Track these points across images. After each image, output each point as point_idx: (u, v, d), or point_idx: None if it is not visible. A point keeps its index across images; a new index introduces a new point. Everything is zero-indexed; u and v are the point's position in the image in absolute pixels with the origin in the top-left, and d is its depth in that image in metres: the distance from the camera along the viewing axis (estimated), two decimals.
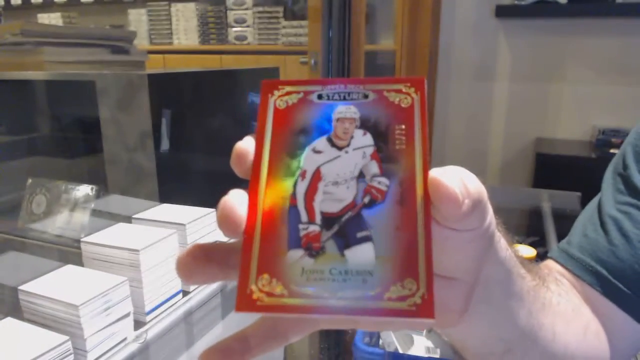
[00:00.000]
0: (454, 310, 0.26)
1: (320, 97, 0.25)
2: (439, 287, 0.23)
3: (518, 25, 2.24)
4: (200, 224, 0.77)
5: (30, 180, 0.91)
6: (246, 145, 0.24)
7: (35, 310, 0.57)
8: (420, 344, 0.65)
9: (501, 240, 0.28)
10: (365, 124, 0.24)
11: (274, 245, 0.21)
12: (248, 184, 0.23)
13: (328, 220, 0.22)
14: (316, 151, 0.24)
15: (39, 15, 3.20)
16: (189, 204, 0.81)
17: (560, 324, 0.38)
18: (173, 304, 0.70)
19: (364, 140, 0.24)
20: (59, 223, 0.84)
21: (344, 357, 0.73)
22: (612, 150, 1.98)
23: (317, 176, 0.23)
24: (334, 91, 0.25)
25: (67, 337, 0.52)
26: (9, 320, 0.55)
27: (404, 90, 0.24)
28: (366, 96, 0.25)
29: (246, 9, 2.82)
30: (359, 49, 1.59)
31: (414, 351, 0.64)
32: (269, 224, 0.22)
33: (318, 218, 0.22)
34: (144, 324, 0.65)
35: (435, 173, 0.22)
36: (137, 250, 0.64)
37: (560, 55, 2.19)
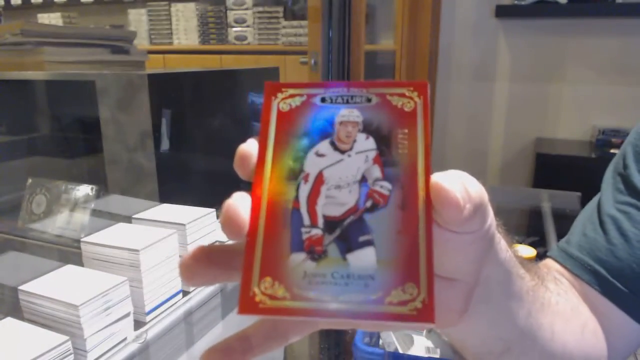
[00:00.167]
0: (454, 311, 0.26)
1: (323, 100, 0.25)
2: (439, 288, 0.23)
3: (518, 25, 2.24)
4: (200, 224, 0.77)
5: (30, 180, 0.91)
6: (249, 147, 0.24)
7: (35, 310, 0.57)
8: (420, 344, 0.65)
9: (501, 242, 0.29)
10: (368, 128, 0.24)
11: (277, 249, 0.22)
12: (251, 186, 0.23)
13: (330, 223, 0.22)
14: (319, 154, 0.24)
15: (39, 15, 3.20)
16: (189, 204, 0.81)
17: (559, 323, 0.38)
18: (173, 304, 0.70)
19: (366, 144, 0.24)
20: (59, 223, 0.84)
21: (344, 357, 0.73)
22: (612, 150, 1.99)
23: (319, 180, 0.23)
24: (337, 94, 0.25)
25: (67, 337, 0.52)
26: (9, 320, 0.55)
27: (407, 94, 0.24)
28: (369, 100, 0.25)
29: (246, 9, 2.82)
30: (359, 49, 1.59)
31: (414, 351, 0.64)
32: (272, 227, 0.22)
33: (320, 222, 0.22)
34: (144, 324, 0.65)
35: (437, 178, 0.22)
36: (137, 250, 0.64)
37: (560, 55, 2.19)
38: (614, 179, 0.49)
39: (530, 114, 2.29)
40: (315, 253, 0.22)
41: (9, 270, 0.79)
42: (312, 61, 1.58)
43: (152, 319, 0.66)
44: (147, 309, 0.66)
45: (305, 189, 0.23)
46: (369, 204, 0.22)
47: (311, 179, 0.23)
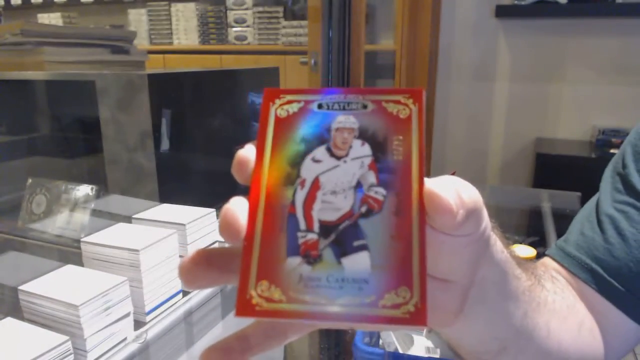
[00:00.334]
0: (449, 311, 0.26)
1: (320, 106, 0.25)
2: (435, 289, 0.23)
3: (518, 25, 2.24)
4: (200, 224, 0.77)
5: (30, 180, 0.91)
6: (247, 153, 0.24)
7: (35, 310, 0.57)
8: (420, 344, 0.65)
9: (497, 243, 0.29)
10: (363, 134, 0.24)
11: (273, 252, 0.22)
12: (248, 190, 0.23)
13: (326, 228, 0.23)
14: (315, 160, 0.24)
15: (39, 15, 3.20)
16: (189, 204, 0.81)
17: (555, 322, 0.38)
18: (173, 304, 0.70)
19: (362, 150, 0.24)
20: (59, 223, 0.84)
21: (344, 357, 0.73)
22: (612, 150, 1.99)
23: (315, 185, 0.23)
24: (333, 101, 0.25)
25: (67, 337, 0.52)
26: (9, 320, 0.55)
27: (402, 101, 0.25)
28: (365, 106, 0.25)
29: (246, 9, 2.82)
30: (359, 49, 1.59)
31: (414, 351, 0.64)
32: (269, 231, 0.22)
33: (316, 226, 0.23)
34: (144, 324, 0.65)
35: (430, 184, 0.22)
36: (137, 250, 0.64)
37: (560, 55, 2.19)
38: (613, 179, 0.49)
39: (530, 114, 2.29)
40: (311, 257, 0.22)
41: (9, 270, 0.79)
42: (312, 61, 1.58)
43: (152, 319, 0.67)
44: (147, 309, 0.66)
45: (301, 194, 0.23)
46: (363, 209, 0.23)
47: (307, 184, 0.23)
